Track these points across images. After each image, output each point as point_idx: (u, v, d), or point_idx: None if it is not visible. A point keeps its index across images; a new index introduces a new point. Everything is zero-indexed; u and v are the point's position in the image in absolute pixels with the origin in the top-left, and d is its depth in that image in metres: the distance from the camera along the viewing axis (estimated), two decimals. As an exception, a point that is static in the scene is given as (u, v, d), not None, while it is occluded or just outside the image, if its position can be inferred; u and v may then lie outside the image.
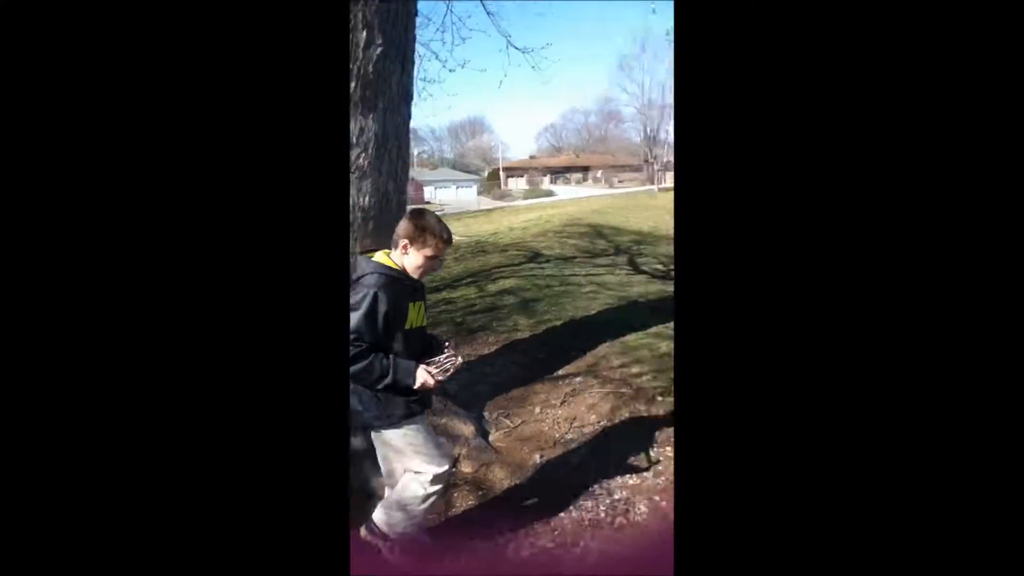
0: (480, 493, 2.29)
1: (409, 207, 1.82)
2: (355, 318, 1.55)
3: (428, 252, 1.64)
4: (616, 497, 2.20)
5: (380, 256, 1.70)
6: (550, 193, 35.79)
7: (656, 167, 31.74)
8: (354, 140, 2.32)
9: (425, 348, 1.77)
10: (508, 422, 2.89)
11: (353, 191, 2.38)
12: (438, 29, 8.40)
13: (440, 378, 1.66)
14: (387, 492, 1.81)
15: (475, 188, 41.23)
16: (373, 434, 1.72)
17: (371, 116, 2.34)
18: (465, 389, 3.19)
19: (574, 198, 27.51)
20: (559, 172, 46.55)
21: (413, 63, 2.56)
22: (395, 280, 1.63)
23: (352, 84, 2.26)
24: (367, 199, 2.42)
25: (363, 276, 1.63)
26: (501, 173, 46.50)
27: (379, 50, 2.28)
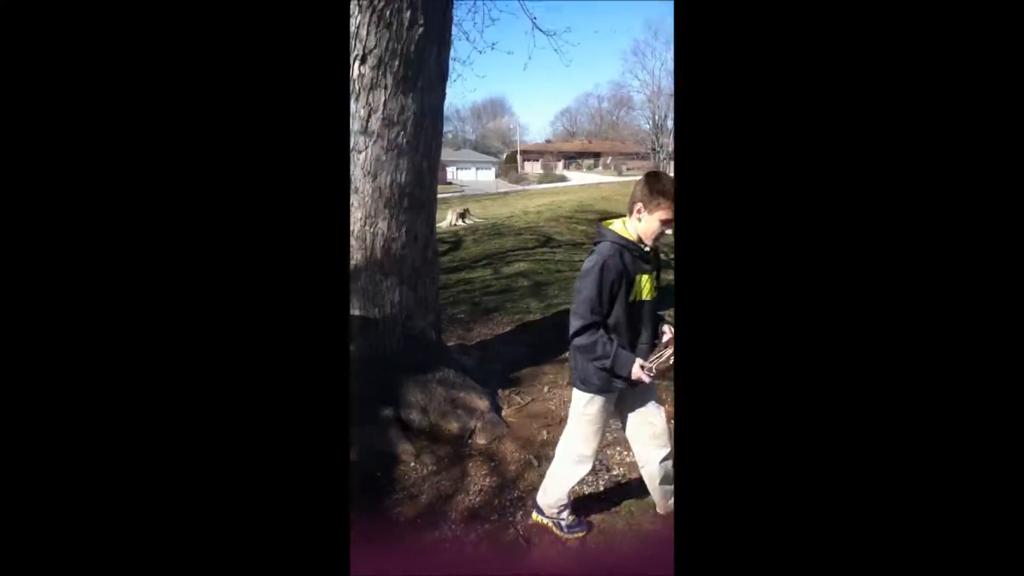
0: (492, 464, 2.41)
1: (646, 171, 1.82)
2: (588, 287, 1.58)
3: (662, 215, 1.58)
4: (614, 472, 2.32)
5: (616, 224, 1.68)
6: (563, 178, 35.65)
7: (662, 156, 31.46)
8: (394, 119, 2.40)
9: (649, 322, 1.71)
10: (519, 399, 3.01)
11: (391, 168, 2.47)
12: (469, 10, 8.40)
13: (652, 376, 1.64)
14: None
15: (494, 170, 41.11)
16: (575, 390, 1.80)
17: (410, 95, 2.41)
18: (481, 367, 3.30)
19: (584, 184, 27.40)
20: (572, 157, 46.30)
21: (450, 43, 2.63)
22: (625, 248, 1.62)
23: (396, 63, 2.33)
24: (404, 176, 2.50)
25: (598, 243, 1.66)
26: (518, 156, 46.28)
27: (420, 30, 2.35)
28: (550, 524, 1.96)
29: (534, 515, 2.01)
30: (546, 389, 3.12)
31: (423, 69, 2.42)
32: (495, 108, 60.72)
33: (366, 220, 2.53)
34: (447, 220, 12.08)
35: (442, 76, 2.59)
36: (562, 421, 2.74)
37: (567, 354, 3.57)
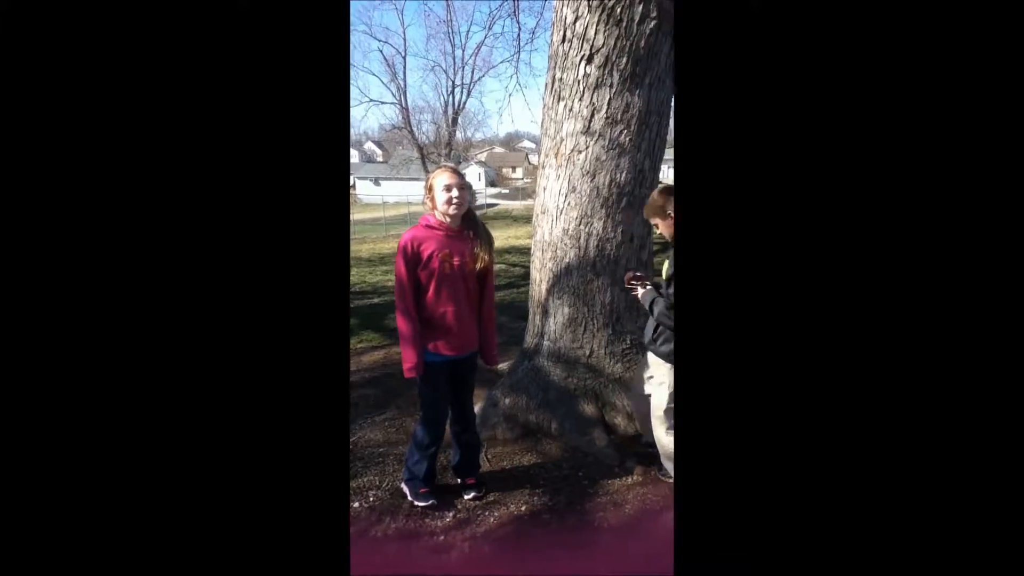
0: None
1: (661, 183, 2.14)
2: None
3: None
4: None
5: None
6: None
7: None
8: (618, 117, 2.36)
9: None
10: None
11: (611, 167, 2.44)
12: None
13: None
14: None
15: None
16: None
17: (636, 92, 2.34)
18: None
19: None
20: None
21: (683, 35, 2.47)
22: None
23: (624, 60, 2.29)
24: (623, 175, 2.45)
25: None
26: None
27: (652, 24, 2.26)
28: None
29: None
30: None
31: (652, 65, 2.33)
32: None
33: (581, 219, 2.54)
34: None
35: (672, 70, 2.45)
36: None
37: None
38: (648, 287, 2.10)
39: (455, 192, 1.87)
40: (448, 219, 1.92)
